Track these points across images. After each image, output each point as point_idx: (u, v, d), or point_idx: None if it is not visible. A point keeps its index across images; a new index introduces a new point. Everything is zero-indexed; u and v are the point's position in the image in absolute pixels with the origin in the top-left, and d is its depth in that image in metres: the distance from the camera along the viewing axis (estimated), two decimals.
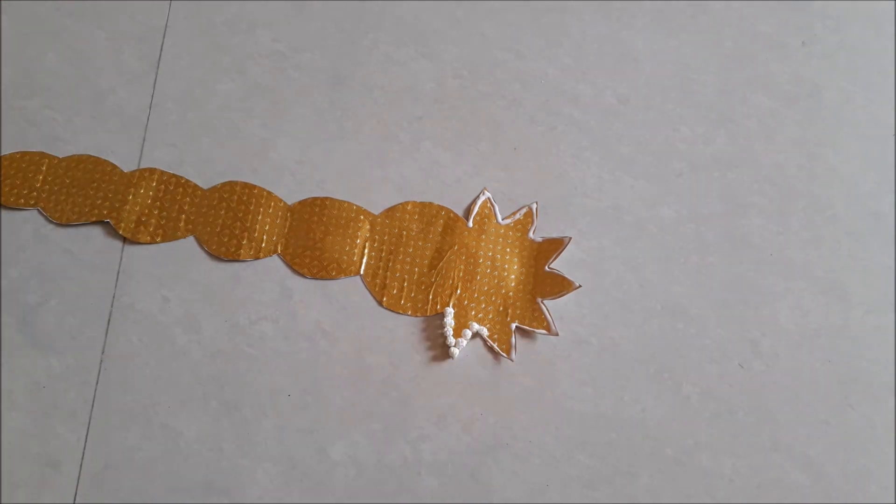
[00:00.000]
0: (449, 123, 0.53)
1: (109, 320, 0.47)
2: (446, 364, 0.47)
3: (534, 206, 0.51)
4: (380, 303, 0.48)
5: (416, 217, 0.50)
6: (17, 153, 0.50)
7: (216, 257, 0.49)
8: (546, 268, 0.49)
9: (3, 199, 0.48)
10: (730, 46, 0.57)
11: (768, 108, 0.55)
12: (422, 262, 0.49)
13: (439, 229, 0.50)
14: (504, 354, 0.47)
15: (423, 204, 0.50)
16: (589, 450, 0.46)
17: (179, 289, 0.48)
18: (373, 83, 0.54)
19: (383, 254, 0.49)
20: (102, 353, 0.46)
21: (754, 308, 0.50)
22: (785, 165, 0.54)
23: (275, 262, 0.49)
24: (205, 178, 0.51)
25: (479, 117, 0.54)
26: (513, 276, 0.49)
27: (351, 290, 0.48)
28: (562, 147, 0.53)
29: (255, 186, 0.50)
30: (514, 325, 0.48)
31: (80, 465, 0.44)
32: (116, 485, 0.44)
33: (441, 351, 0.47)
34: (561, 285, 0.48)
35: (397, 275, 0.49)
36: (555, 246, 0.50)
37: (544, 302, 0.48)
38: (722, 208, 0.52)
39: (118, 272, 0.48)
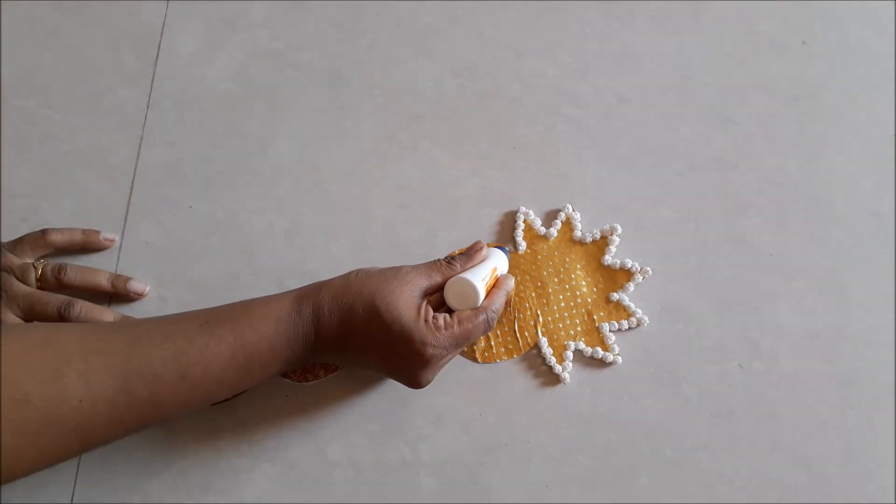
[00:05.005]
0: (448, 123, 0.53)
1: None
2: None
3: (568, 209, 0.51)
4: (474, 360, 0.48)
5: None
6: None
7: (213, 258, 0.49)
8: (604, 263, 0.50)
9: None
10: (730, 46, 0.57)
11: (768, 108, 0.55)
12: None
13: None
14: (608, 353, 0.47)
15: None
16: (588, 450, 0.46)
17: (177, 288, 0.48)
18: (372, 82, 0.54)
19: None
20: None
21: (754, 308, 0.49)
22: (785, 165, 0.53)
23: (273, 263, 0.49)
24: (203, 177, 0.51)
25: (479, 117, 0.54)
26: (583, 283, 0.49)
27: None
28: (562, 147, 0.53)
29: None
30: (604, 325, 0.48)
31: (77, 465, 0.44)
32: (113, 485, 0.44)
33: (548, 377, 0.47)
34: (626, 276, 0.49)
35: None
36: (603, 241, 0.50)
37: (620, 294, 0.49)
38: (722, 208, 0.52)
39: (115, 272, 0.48)
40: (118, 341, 0.36)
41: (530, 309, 0.48)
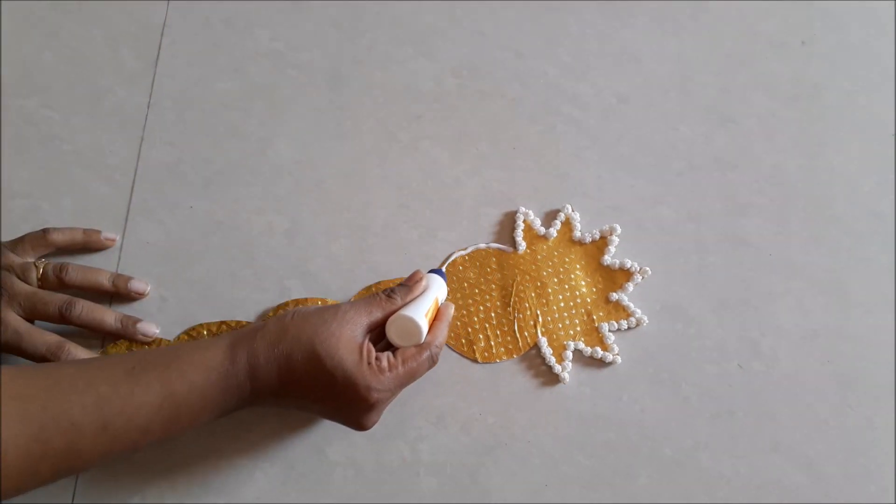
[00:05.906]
0: (448, 123, 0.53)
1: None
2: (445, 364, 0.47)
3: (568, 209, 0.51)
4: (474, 360, 0.47)
5: (469, 265, 0.49)
6: None
7: (213, 258, 0.49)
8: (603, 263, 0.50)
9: None
10: (730, 46, 0.57)
11: (768, 108, 0.55)
12: (493, 304, 0.48)
13: (495, 267, 0.49)
14: (607, 353, 0.47)
15: (470, 254, 0.50)
16: (588, 450, 0.46)
17: (177, 288, 0.48)
18: (371, 82, 0.54)
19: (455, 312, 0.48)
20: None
21: (754, 308, 0.49)
22: (785, 165, 0.53)
23: (273, 263, 0.49)
24: (203, 177, 0.51)
25: (478, 116, 0.54)
26: (583, 283, 0.49)
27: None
28: (561, 147, 0.53)
29: None
30: (603, 325, 0.48)
31: None
32: (114, 484, 0.44)
33: (547, 377, 0.47)
34: (625, 276, 0.49)
35: (477, 326, 0.48)
36: (603, 241, 0.50)
37: (619, 294, 0.49)
38: (722, 208, 0.52)
39: (116, 271, 0.48)
40: (36, 387, 0.34)
41: (530, 309, 0.48)
